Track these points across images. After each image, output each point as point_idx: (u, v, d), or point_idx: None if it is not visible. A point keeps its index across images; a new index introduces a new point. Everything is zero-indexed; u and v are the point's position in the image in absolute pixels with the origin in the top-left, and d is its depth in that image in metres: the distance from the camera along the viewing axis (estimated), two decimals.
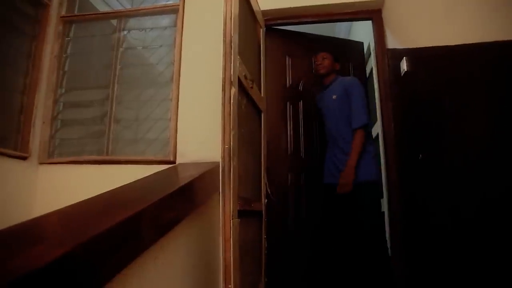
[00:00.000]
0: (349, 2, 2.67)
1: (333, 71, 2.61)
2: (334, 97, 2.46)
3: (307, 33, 3.02)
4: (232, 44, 1.67)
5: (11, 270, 0.64)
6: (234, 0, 1.75)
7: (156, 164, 2.45)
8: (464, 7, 1.37)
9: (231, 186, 1.52)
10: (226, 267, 1.43)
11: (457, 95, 1.49)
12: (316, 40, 3.00)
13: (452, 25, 1.50)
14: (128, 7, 3.01)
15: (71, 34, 2.96)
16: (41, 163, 2.65)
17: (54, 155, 2.73)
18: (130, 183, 1.55)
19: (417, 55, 2.01)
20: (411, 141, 2.00)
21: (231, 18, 1.71)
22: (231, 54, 1.67)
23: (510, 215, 1.12)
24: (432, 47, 1.73)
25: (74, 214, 1.09)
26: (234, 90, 1.64)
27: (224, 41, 1.68)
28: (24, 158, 2.55)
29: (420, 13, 1.97)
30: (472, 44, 1.29)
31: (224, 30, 1.69)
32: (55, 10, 2.89)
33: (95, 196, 1.28)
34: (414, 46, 2.03)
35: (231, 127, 1.58)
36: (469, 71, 1.35)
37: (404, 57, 2.17)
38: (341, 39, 3.91)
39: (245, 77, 1.91)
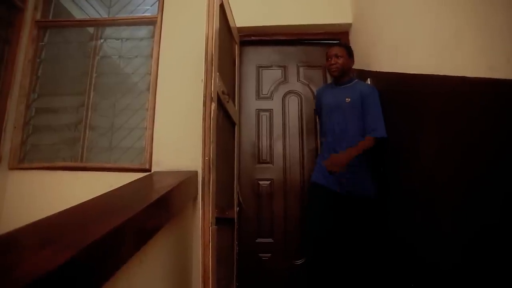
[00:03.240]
0: (319, 24, 2.88)
1: (348, 69, 2.37)
2: (347, 99, 2.26)
3: (279, 39, 3.04)
4: (213, 62, 1.78)
5: (21, 276, 0.70)
6: (216, 21, 1.86)
7: (131, 172, 2.49)
8: (421, 42, 1.55)
9: (210, 196, 1.62)
10: (204, 272, 1.52)
11: (412, 120, 1.67)
12: (287, 52, 3.07)
13: (410, 55, 1.67)
14: (104, 15, 3.02)
15: (46, 40, 2.94)
16: (11, 169, 2.62)
17: (25, 160, 2.69)
18: (113, 190, 1.60)
19: (379, 78, 2.20)
20: (371, 156, 2.18)
21: (212, 38, 1.81)
22: (212, 72, 1.77)
23: (462, 228, 1.27)
24: (393, 72, 1.91)
25: (66, 221, 1.15)
26: (214, 105, 1.74)
27: (206, 59, 1.78)
28: None
29: (383, 39, 2.13)
30: (425, 75, 1.47)
31: (206, 48, 1.79)
32: (30, 14, 2.88)
33: (78, 204, 1.30)
34: (378, 69, 2.23)
35: (211, 140, 1.68)
36: (422, 99, 1.53)
37: (369, 78, 2.38)
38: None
39: (223, 92, 2.03)
